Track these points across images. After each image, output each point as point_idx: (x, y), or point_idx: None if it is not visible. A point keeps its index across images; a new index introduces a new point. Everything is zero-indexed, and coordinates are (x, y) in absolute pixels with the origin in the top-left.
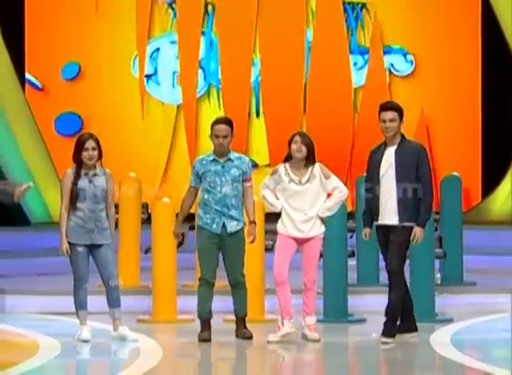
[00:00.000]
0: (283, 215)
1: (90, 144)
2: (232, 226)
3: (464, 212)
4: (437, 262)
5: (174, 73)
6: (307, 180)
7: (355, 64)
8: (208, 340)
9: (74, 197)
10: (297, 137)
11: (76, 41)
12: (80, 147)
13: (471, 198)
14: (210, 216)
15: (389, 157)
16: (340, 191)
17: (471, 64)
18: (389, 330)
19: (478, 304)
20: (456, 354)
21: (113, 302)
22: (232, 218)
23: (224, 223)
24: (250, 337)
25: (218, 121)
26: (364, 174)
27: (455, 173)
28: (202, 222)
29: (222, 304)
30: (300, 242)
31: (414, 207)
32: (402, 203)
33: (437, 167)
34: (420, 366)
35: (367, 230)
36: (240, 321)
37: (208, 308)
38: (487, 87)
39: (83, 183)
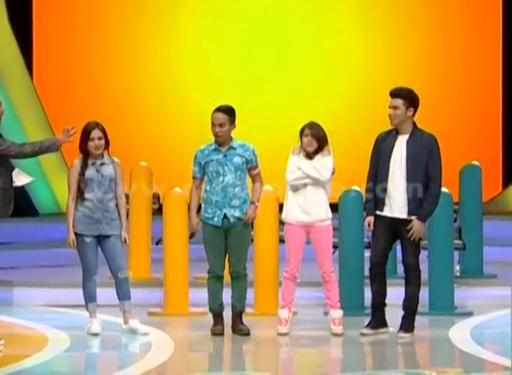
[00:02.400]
0: (289, 200)
1: (95, 133)
2: (234, 216)
3: (484, 203)
4: (456, 254)
5: None
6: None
7: None
8: (221, 334)
9: (82, 187)
10: (307, 130)
11: (86, 25)
12: (85, 136)
13: (491, 188)
14: (211, 209)
15: (401, 146)
16: (322, 171)
17: (492, 50)
18: (407, 325)
19: (498, 297)
20: (475, 348)
21: (123, 295)
22: (233, 208)
23: (225, 214)
24: (247, 334)
25: (216, 109)
26: (369, 163)
27: (475, 162)
28: (204, 217)
29: None
30: (309, 231)
31: (421, 200)
32: (412, 196)
33: (456, 156)
34: (438, 361)
35: (371, 219)
36: (237, 316)
37: (219, 302)
38: (508, 73)
39: (90, 172)
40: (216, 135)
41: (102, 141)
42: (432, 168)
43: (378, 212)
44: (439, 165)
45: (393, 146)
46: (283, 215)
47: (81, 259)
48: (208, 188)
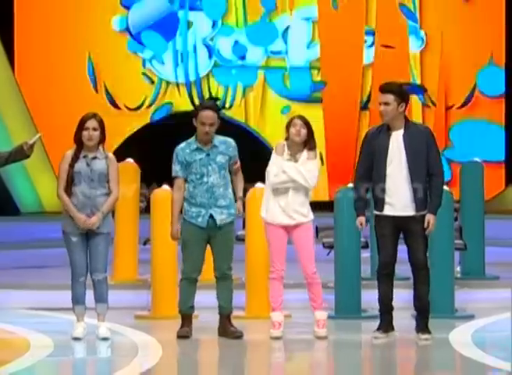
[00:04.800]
0: (270, 201)
1: (91, 123)
2: (221, 219)
3: (486, 201)
4: (457, 255)
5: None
6: (303, 162)
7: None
8: (187, 336)
9: (69, 180)
10: (296, 120)
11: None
12: (80, 126)
13: (493, 186)
14: (196, 209)
15: (397, 143)
16: (308, 178)
17: (494, 41)
18: (425, 326)
19: (500, 299)
20: (477, 353)
21: (96, 297)
22: (220, 208)
23: (211, 215)
24: (240, 336)
25: (205, 107)
26: (358, 160)
27: (476, 159)
28: (187, 215)
29: None
30: (290, 231)
31: (426, 194)
32: (417, 191)
33: (459, 153)
34: (438, 366)
35: (362, 219)
36: (226, 319)
37: (189, 304)
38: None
39: (79, 165)
40: (206, 134)
41: (97, 133)
42: (433, 160)
43: (378, 213)
44: (439, 156)
45: (388, 143)
46: (263, 214)
47: (69, 259)
48: (191, 188)
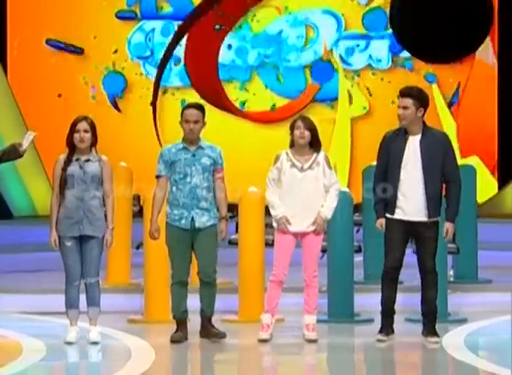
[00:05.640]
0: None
1: (82, 125)
2: (201, 221)
3: (479, 205)
4: (450, 258)
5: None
6: (309, 167)
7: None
8: (181, 341)
9: (62, 183)
10: (300, 123)
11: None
12: (72, 128)
13: (486, 189)
14: (178, 211)
15: (414, 147)
16: (336, 189)
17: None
18: (433, 329)
19: (493, 303)
20: (470, 356)
21: (88, 301)
22: (202, 210)
23: (193, 217)
24: (224, 336)
25: (188, 106)
26: (376, 162)
27: (469, 163)
28: (170, 218)
29: (220, 304)
30: (300, 236)
31: (439, 201)
32: (430, 198)
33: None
34: (431, 370)
35: (382, 221)
36: (207, 321)
37: (182, 308)
38: (504, 70)
39: (72, 168)
40: (190, 132)
41: (88, 135)
42: (450, 167)
43: (389, 216)
44: (456, 163)
45: (404, 147)
46: (274, 223)
47: (63, 263)
48: (173, 189)
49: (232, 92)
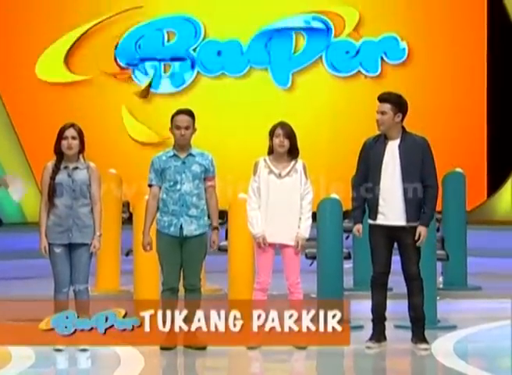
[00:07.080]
0: (261, 215)
1: (69, 132)
2: (189, 230)
3: (468, 212)
4: (439, 265)
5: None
6: (287, 174)
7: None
8: (171, 348)
9: (51, 192)
10: (279, 130)
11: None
12: (60, 135)
13: (475, 196)
14: (167, 218)
15: (392, 152)
16: (309, 202)
17: (475, 52)
18: (422, 336)
19: (482, 309)
20: (459, 363)
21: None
22: (191, 218)
23: (181, 225)
24: (204, 348)
25: (179, 112)
26: (356, 169)
27: (458, 170)
28: (160, 225)
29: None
30: (279, 247)
31: (419, 205)
32: (409, 202)
33: (439, 163)
34: None
35: (359, 226)
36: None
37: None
38: (493, 78)
39: (60, 177)
40: (181, 137)
41: (76, 142)
42: (427, 172)
43: (371, 222)
44: (434, 168)
45: (384, 152)
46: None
47: (52, 270)
48: (164, 196)
49: None
